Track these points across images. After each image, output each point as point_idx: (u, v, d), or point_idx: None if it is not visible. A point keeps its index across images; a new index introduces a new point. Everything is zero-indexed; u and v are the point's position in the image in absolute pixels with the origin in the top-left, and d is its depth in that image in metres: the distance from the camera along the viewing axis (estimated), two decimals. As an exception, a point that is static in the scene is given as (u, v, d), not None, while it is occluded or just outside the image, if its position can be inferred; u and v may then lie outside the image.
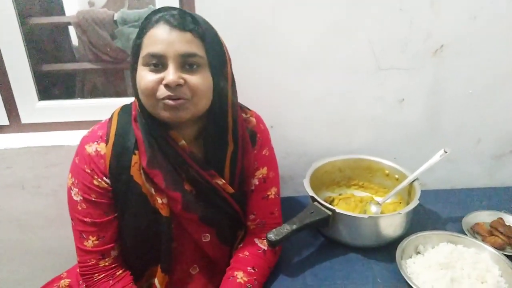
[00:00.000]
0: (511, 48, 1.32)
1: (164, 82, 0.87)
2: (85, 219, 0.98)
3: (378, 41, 1.30)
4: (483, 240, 1.14)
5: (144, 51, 0.89)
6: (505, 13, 1.27)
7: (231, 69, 0.99)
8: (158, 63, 0.88)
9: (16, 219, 1.46)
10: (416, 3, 1.25)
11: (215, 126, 0.99)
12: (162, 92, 0.87)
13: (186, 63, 0.89)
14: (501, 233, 1.16)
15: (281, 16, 1.25)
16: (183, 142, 0.97)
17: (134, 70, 0.93)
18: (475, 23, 1.28)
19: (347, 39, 1.29)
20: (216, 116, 0.98)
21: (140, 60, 0.90)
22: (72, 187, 0.98)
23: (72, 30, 1.61)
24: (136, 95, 0.95)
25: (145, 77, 0.88)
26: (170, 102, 0.88)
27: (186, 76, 0.88)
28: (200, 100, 0.91)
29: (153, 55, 0.87)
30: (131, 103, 1.04)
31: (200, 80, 0.89)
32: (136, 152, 0.97)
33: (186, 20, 0.88)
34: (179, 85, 0.87)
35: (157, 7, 1.27)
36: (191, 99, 0.90)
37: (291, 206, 1.15)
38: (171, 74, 0.86)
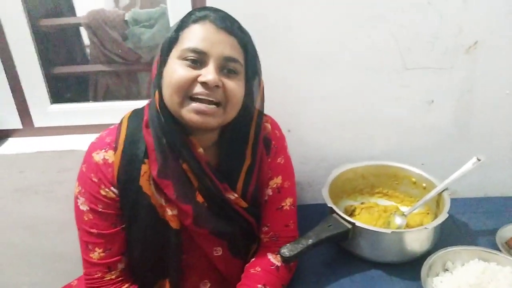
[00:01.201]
0: (551, 44, 1.22)
1: (202, 79, 0.83)
2: (92, 230, 0.94)
3: (403, 37, 1.21)
4: (520, 257, 1.05)
5: (183, 45, 0.86)
6: (546, 6, 1.17)
7: (263, 82, 0.98)
8: (197, 59, 0.85)
9: (29, 223, 1.46)
10: (446, -5, 1.16)
11: (236, 137, 0.97)
12: (197, 90, 0.84)
13: (226, 67, 0.87)
14: (540, 249, 1.07)
15: (295, 11, 1.19)
16: (201, 150, 0.93)
17: (163, 63, 0.89)
18: (512, 18, 1.18)
19: (369, 36, 1.22)
20: (239, 127, 0.96)
21: (175, 53, 0.87)
22: (79, 196, 0.95)
23: (84, 32, 1.59)
24: (159, 90, 0.90)
25: (179, 70, 0.85)
26: (202, 107, 0.85)
27: (224, 80, 0.86)
28: (233, 108, 0.90)
29: (194, 50, 0.84)
30: (143, 107, 0.99)
31: (236, 86, 0.88)
32: (146, 160, 0.93)
33: (233, 25, 0.89)
34: (216, 86, 0.84)
35: (168, 6, 1.23)
36: (224, 105, 0.88)
37: (310, 215, 1.10)
38: (211, 73, 0.83)
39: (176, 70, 0.85)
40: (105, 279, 0.96)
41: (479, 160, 1.10)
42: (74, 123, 1.41)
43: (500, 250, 1.07)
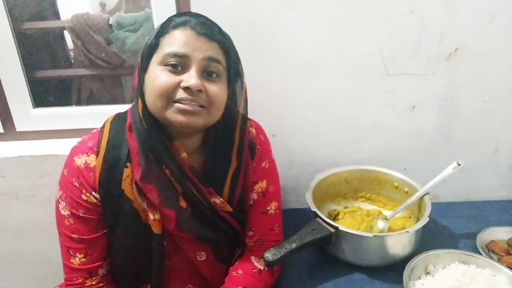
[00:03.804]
0: (532, 50, 1.24)
1: (185, 84, 0.83)
2: (72, 235, 0.93)
3: (387, 44, 1.23)
4: (499, 260, 1.08)
5: (164, 50, 0.86)
6: (526, 13, 1.19)
7: (246, 84, 0.98)
8: (179, 64, 0.85)
9: (12, 228, 1.44)
10: (428, 3, 1.18)
11: (220, 141, 0.97)
12: (180, 95, 0.84)
13: (207, 69, 0.87)
14: (519, 252, 1.09)
15: (283, 17, 1.20)
16: (185, 154, 0.93)
17: (144, 69, 0.89)
18: (493, 25, 1.21)
19: (354, 42, 1.23)
20: (223, 132, 0.96)
21: (156, 59, 0.87)
22: (60, 201, 0.94)
23: (68, 35, 1.58)
24: (140, 96, 0.89)
25: (162, 76, 0.84)
26: (187, 106, 0.84)
27: (206, 84, 0.86)
28: (216, 111, 0.90)
29: (176, 55, 0.84)
30: (125, 111, 0.99)
31: (219, 90, 0.88)
32: (129, 164, 0.92)
33: (214, 30, 0.88)
34: (199, 90, 0.84)
35: (153, 10, 1.23)
36: (208, 108, 0.87)
37: (295, 218, 1.11)
38: (193, 78, 0.83)
39: (158, 76, 0.85)
40: (86, 284, 0.95)
41: (459, 164, 1.10)
42: (57, 127, 1.40)
43: (480, 253, 1.08)
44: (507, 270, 0.98)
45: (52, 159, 1.31)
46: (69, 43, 1.62)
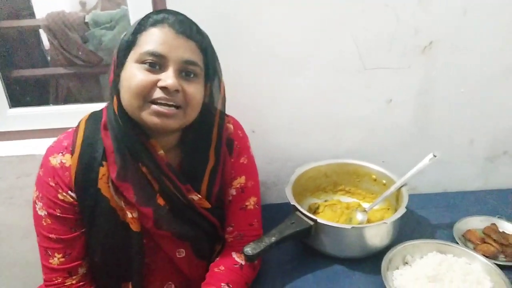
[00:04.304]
0: (505, 43, 1.27)
1: (162, 84, 0.83)
2: (50, 235, 0.93)
3: (363, 39, 1.24)
4: (474, 249, 1.10)
5: (141, 48, 0.85)
6: (498, 7, 1.22)
7: (223, 82, 0.98)
8: (156, 63, 0.85)
9: (-10, 231, 1.41)
10: (402, -3, 1.19)
11: (198, 138, 0.97)
12: (157, 94, 0.84)
13: (185, 70, 0.87)
14: (494, 240, 1.13)
15: (262, 14, 1.20)
16: (162, 152, 0.93)
17: (120, 66, 0.88)
18: (466, 18, 1.23)
19: (331, 38, 1.24)
20: (201, 129, 0.97)
21: (133, 57, 0.86)
22: (37, 201, 0.93)
23: (44, 34, 1.56)
24: (116, 94, 0.89)
25: (138, 75, 0.84)
26: (163, 109, 0.84)
27: (183, 84, 0.86)
28: (192, 111, 0.90)
29: (153, 54, 0.84)
30: (101, 109, 0.98)
31: (196, 90, 0.89)
32: (104, 163, 0.91)
33: (192, 29, 0.88)
34: (176, 90, 0.84)
35: (129, 7, 1.23)
36: (184, 108, 0.88)
37: (275, 214, 1.11)
38: (171, 78, 0.83)
39: (135, 75, 0.84)
40: (66, 284, 0.95)
41: (435, 156, 1.12)
42: (34, 127, 1.38)
43: (457, 243, 1.11)
44: (482, 258, 1.01)
45: (30, 159, 1.29)
46: (46, 42, 1.60)
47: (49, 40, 1.50)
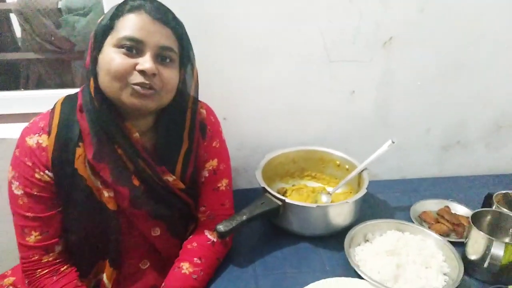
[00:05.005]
0: (458, 39, 1.36)
1: (140, 67, 0.86)
2: (27, 214, 0.93)
3: (329, 32, 1.30)
4: (429, 228, 1.18)
5: (119, 33, 0.88)
6: (452, 5, 1.30)
7: (196, 68, 1.02)
8: (133, 47, 0.87)
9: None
10: (365, -6, 1.26)
11: (173, 122, 1.00)
12: (136, 77, 0.87)
13: (161, 55, 0.90)
14: (447, 220, 1.21)
15: (232, 5, 1.23)
16: (137, 134, 0.96)
17: (97, 50, 0.90)
18: (423, 15, 1.30)
19: (300, 30, 1.29)
20: (175, 113, 1.00)
21: (110, 41, 0.88)
22: (13, 181, 0.94)
23: (14, 19, 1.54)
24: (93, 76, 0.91)
25: (117, 59, 0.87)
26: (141, 90, 0.87)
27: (160, 68, 0.90)
28: (167, 94, 0.93)
29: (131, 39, 0.87)
30: (76, 93, 0.99)
31: (171, 74, 0.92)
32: (81, 144, 0.93)
33: (168, 16, 0.91)
34: (153, 74, 0.88)
35: (104, -6, 1.24)
36: (160, 91, 0.91)
37: (245, 198, 1.15)
38: (148, 62, 0.87)
39: (114, 59, 0.87)
40: (42, 261, 0.96)
41: (393, 142, 1.19)
42: (4, 112, 1.37)
43: (413, 222, 1.19)
44: (435, 235, 1.09)
45: (1, 143, 1.27)
46: (17, 27, 1.58)
47: (20, 24, 1.48)
